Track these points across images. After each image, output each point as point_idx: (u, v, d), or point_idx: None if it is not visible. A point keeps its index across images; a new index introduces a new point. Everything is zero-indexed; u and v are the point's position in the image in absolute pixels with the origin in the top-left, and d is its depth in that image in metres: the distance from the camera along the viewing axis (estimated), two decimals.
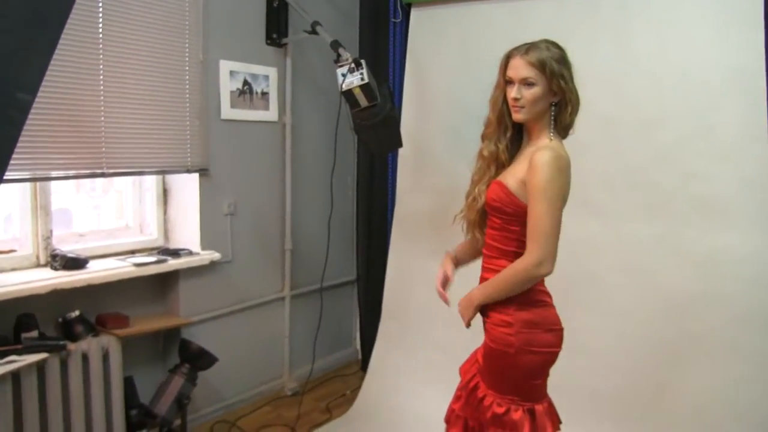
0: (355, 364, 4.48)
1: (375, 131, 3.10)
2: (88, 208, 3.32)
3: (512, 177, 2.02)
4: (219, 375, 3.47)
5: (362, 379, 3.90)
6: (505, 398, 2.04)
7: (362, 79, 2.95)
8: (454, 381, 2.27)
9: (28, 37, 1.65)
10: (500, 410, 2.03)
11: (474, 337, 2.24)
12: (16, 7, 1.60)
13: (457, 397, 2.23)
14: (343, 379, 4.25)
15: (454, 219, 2.25)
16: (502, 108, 2.08)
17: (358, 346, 4.51)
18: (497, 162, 2.11)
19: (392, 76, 3.92)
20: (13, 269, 2.82)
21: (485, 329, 2.12)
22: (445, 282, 2.33)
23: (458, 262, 2.37)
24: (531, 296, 2.01)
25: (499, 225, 2.06)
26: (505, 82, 2.04)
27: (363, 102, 3.01)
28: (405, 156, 3.73)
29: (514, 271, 1.96)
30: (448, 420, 2.25)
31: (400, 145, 3.30)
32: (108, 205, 3.39)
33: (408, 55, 3.72)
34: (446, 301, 2.29)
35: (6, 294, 2.54)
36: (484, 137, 2.15)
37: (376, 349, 3.87)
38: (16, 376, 2.53)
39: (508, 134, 2.10)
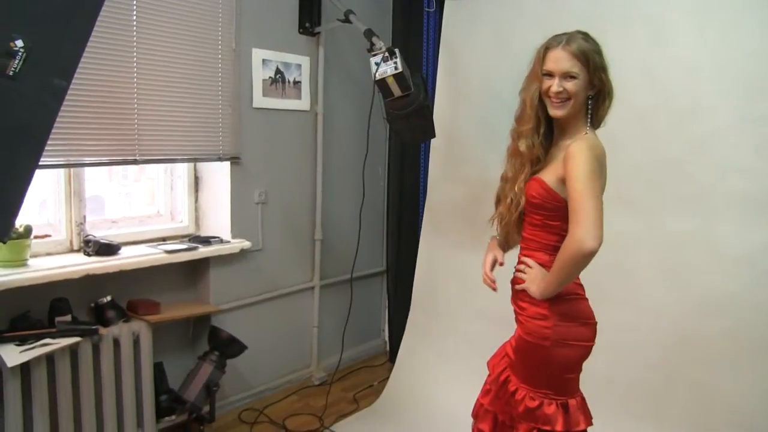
0: (383, 355, 4.48)
1: (408, 121, 3.07)
2: (120, 195, 3.35)
3: (551, 173, 1.97)
4: (247, 363, 3.49)
5: (390, 370, 3.89)
6: (538, 392, 2.01)
7: (396, 68, 2.93)
8: (483, 374, 2.25)
9: (63, 24, 1.66)
10: (533, 404, 2.00)
11: (503, 329, 2.22)
12: None
13: (485, 391, 2.20)
14: (370, 369, 4.25)
15: (491, 222, 2.18)
16: (538, 102, 2.00)
17: (387, 338, 4.52)
18: (533, 158, 2.03)
19: (426, 65, 3.89)
20: (48, 254, 2.85)
21: (518, 321, 2.08)
22: (493, 266, 2.23)
23: (503, 248, 2.28)
24: (566, 288, 1.96)
25: (540, 221, 2.01)
26: (543, 74, 1.96)
27: (396, 91, 2.99)
28: (437, 146, 3.70)
29: (562, 254, 1.88)
30: (476, 415, 2.23)
31: (433, 135, 3.27)
32: (140, 193, 3.42)
33: (441, 44, 3.68)
34: (494, 286, 2.18)
35: (40, 278, 2.58)
36: (519, 134, 2.05)
37: (404, 341, 3.85)
38: (50, 358, 2.57)
39: (542, 129, 2.02)
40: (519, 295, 2.07)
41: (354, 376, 4.12)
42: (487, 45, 3.47)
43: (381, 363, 4.35)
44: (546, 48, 1.97)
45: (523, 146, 2.04)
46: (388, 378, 3.82)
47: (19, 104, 1.62)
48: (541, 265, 2.00)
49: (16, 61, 1.60)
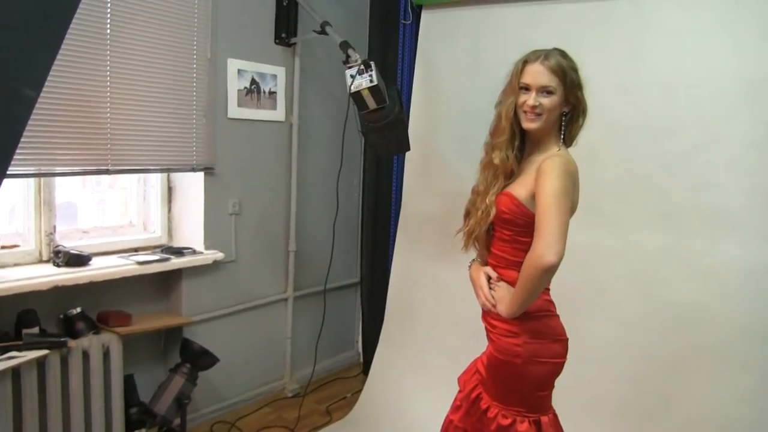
0: (357, 366, 4.46)
1: (382, 134, 3.07)
2: (94, 202, 3.31)
3: (522, 187, 1.97)
4: (220, 375, 3.45)
5: (364, 382, 3.87)
6: (510, 410, 2.01)
7: (371, 81, 2.93)
8: (456, 387, 2.24)
9: (33, 34, 1.64)
10: (506, 422, 1.99)
11: (477, 342, 2.22)
12: (21, 3, 1.58)
13: (456, 408, 2.19)
14: (344, 381, 4.23)
15: (456, 234, 2.17)
16: (513, 116, 2.01)
17: (360, 349, 4.50)
18: (506, 172, 2.04)
19: (401, 77, 3.90)
20: (16, 264, 2.80)
21: (490, 339, 2.08)
22: (489, 284, 2.10)
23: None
24: (536, 306, 1.96)
25: (509, 237, 2.01)
26: (519, 88, 1.97)
27: (371, 104, 2.98)
28: (412, 159, 3.70)
29: (523, 270, 1.88)
30: (446, 431, 2.22)
31: (408, 148, 3.27)
32: (113, 202, 3.38)
33: (418, 57, 3.69)
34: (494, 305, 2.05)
35: (7, 290, 2.53)
36: (494, 147, 2.05)
37: (378, 353, 3.84)
38: (16, 372, 2.52)
39: (516, 143, 2.03)
40: (490, 312, 2.06)
41: (327, 388, 4.10)
42: (464, 58, 3.48)
43: (355, 375, 4.34)
44: (524, 62, 1.98)
45: (497, 159, 2.03)
46: (361, 390, 3.80)
47: None
48: (511, 283, 2.00)
49: None
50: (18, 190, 2.84)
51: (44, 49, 1.70)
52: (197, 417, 3.45)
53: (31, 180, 2.82)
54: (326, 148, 4.04)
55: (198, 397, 3.36)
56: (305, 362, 4.02)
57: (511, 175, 2.05)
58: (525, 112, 1.96)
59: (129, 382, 3.07)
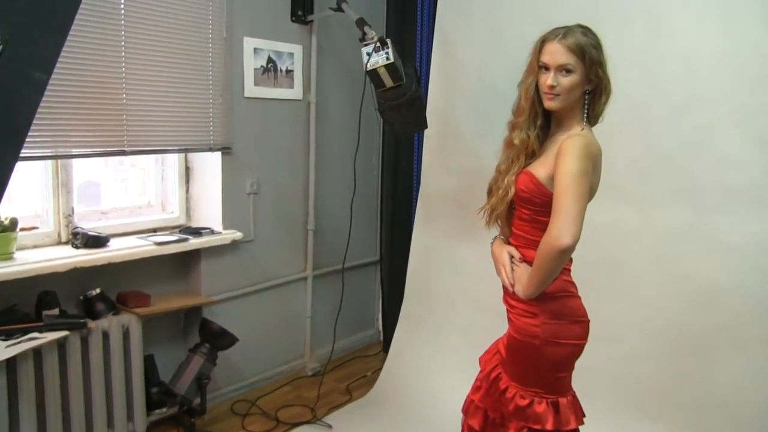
0: (377, 345, 4.47)
1: (399, 112, 3.03)
2: (116, 181, 3.32)
3: (542, 167, 1.94)
4: (240, 354, 3.47)
5: (383, 360, 3.88)
6: (528, 390, 1.99)
7: (387, 58, 2.88)
8: (476, 365, 2.23)
9: (43, 16, 1.63)
10: (523, 402, 1.98)
11: (498, 320, 2.20)
12: None
13: (476, 388, 2.18)
14: (364, 360, 4.24)
15: (479, 212, 2.15)
16: (534, 95, 1.98)
17: (380, 327, 4.50)
18: (527, 151, 2.01)
19: (420, 55, 3.85)
20: (35, 246, 2.82)
21: (509, 319, 2.06)
22: (511, 263, 2.06)
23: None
24: (555, 286, 1.93)
25: (528, 216, 1.98)
26: (539, 67, 1.94)
27: (388, 82, 2.94)
28: (430, 136, 3.66)
29: (539, 251, 1.87)
30: (467, 411, 2.21)
31: (425, 126, 3.23)
32: (131, 182, 3.39)
33: (435, 34, 3.63)
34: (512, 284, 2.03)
35: (27, 271, 2.55)
36: (514, 126, 2.04)
37: (397, 331, 3.84)
38: (38, 352, 2.55)
39: (539, 122, 2.00)
40: (509, 292, 2.04)
41: (347, 367, 4.11)
42: (482, 34, 3.42)
43: (375, 353, 4.34)
44: (543, 40, 1.95)
45: (517, 139, 2.02)
46: (381, 368, 3.81)
47: None
48: (530, 262, 1.97)
49: None
50: (36, 173, 2.85)
51: (54, 32, 1.69)
52: (218, 396, 3.47)
53: (49, 162, 2.83)
54: (344, 126, 4.00)
55: (218, 376, 3.38)
56: (325, 341, 4.02)
57: (533, 155, 2.02)
58: (545, 92, 1.93)
59: (149, 362, 3.09)
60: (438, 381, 3.43)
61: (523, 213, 2.00)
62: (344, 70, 3.96)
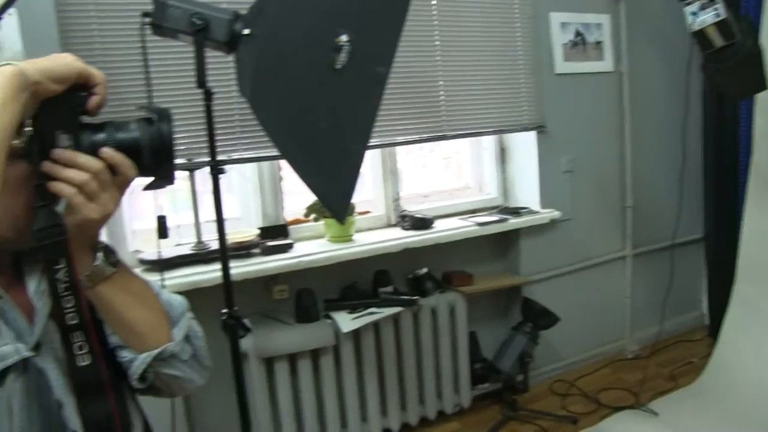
0: (702, 329, 4.12)
1: (733, 73, 2.73)
2: (417, 167, 3.49)
3: None
4: (558, 334, 3.43)
5: (711, 346, 3.55)
6: None
7: (718, 15, 2.61)
8: None
9: (381, 14, 1.74)
10: None
11: None
12: None
13: None
14: (687, 345, 3.95)
15: None
16: None
17: (705, 310, 4.15)
18: None
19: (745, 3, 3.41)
20: (369, 229, 3.08)
21: None
22: None
23: None
24: None
25: None
26: None
27: (718, 42, 2.65)
28: (764, 97, 3.24)
29: None
30: None
31: (765, 87, 2.87)
32: (436, 165, 3.52)
33: None
34: None
35: (365, 252, 2.79)
36: None
37: (729, 316, 3.48)
38: (376, 325, 2.79)
39: None
40: None
41: (669, 351, 3.86)
42: None
43: (699, 338, 4.01)
44: None
45: None
46: (709, 354, 3.50)
47: (347, 95, 1.73)
48: None
49: (343, 55, 1.71)
50: (367, 161, 3.08)
51: (390, 27, 1.80)
52: (537, 375, 3.48)
53: (377, 151, 3.05)
54: (661, 95, 3.75)
55: (537, 356, 3.38)
56: (645, 323, 3.83)
57: None
58: None
59: (472, 339, 3.21)
60: None
61: None
62: (657, 36, 3.69)
